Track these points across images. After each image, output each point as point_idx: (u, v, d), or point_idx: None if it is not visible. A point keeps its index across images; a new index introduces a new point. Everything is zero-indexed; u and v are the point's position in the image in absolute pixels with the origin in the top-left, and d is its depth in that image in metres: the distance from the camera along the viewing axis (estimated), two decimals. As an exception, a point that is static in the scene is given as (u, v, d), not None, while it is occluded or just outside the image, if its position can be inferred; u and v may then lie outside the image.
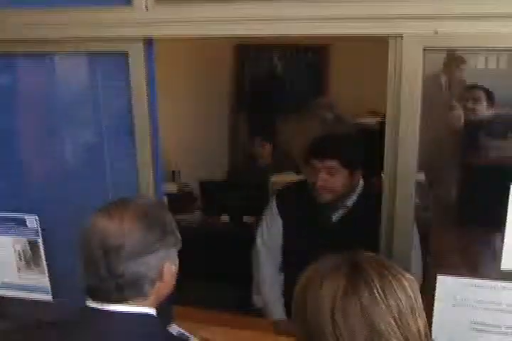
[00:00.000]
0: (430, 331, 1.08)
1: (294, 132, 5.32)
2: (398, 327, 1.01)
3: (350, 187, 2.30)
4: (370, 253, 1.15)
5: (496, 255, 1.60)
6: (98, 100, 1.89)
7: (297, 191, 2.42)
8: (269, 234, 2.46)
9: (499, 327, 1.51)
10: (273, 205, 2.46)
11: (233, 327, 2.11)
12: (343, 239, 2.21)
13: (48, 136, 2.01)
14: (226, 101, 5.67)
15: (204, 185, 3.66)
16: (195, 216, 3.69)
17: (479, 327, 1.51)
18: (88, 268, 1.21)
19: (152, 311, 1.24)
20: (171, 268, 1.26)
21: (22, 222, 2.03)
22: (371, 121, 5.31)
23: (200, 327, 1.98)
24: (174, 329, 1.82)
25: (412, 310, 1.04)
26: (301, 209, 2.37)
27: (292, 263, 2.42)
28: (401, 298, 1.03)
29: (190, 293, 2.46)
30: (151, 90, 1.79)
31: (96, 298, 1.22)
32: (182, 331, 1.83)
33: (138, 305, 1.22)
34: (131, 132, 1.83)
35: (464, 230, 2.43)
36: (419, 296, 1.07)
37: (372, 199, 2.23)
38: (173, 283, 1.32)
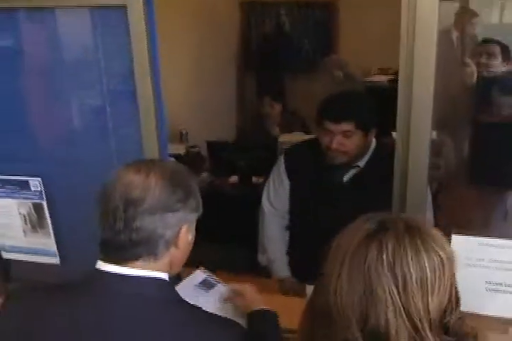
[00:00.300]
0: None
1: (304, 91, 5.26)
2: (400, 298, 0.98)
3: (364, 148, 2.25)
4: (415, 218, 1.09)
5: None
6: (99, 60, 1.84)
7: (307, 151, 2.38)
8: (276, 194, 2.43)
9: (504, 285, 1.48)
10: (281, 165, 2.42)
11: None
12: (354, 200, 2.20)
13: (49, 98, 1.97)
14: (233, 60, 5.58)
15: (212, 146, 3.62)
16: (203, 177, 3.66)
17: (494, 287, 1.49)
18: (105, 220, 1.18)
19: (165, 276, 1.22)
20: (187, 234, 1.23)
21: (25, 185, 2.01)
22: (382, 78, 5.23)
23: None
24: (200, 275, 1.80)
25: (423, 286, 0.99)
26: (311, 169, 2.33)
27: (300, 224, 2.42)
28: (411, 271, 0.98)
29: (198, 255, 2.46)
30: (152, 47, 1.73)
31: (108, 254, 1.19)
32: (208, 277, 1.79)
33: (149, 268, 1.19)
34: (134, 93, 1.78)
35: (478, 188, 2.39)
36: (444, 276, 1.01)
37: (384, 159, 2.17)
38: (188, 253, 1.29)
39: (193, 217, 1.25)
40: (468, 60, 3.26)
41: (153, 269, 1.19)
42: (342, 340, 1.00)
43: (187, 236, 1.23)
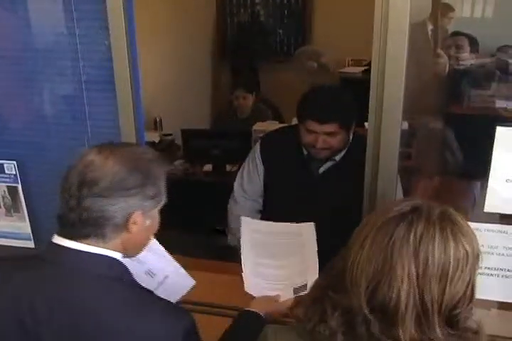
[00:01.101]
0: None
1: (278, 81, 5.28)
2: (417, 280, 0.99)
3: (346, 144, 2.27)
4: (453, 210, 1.09)
5: (479, 199, 1.61)
6: (76, 44, 1.84)
7: (284, 140, 2.38)
8: (249, 181, 2.43)
9: (480, 268, 1.52)
10: (256, 151, 2.41)
11: (212, 271, 2.13)
12: (329, 191, 2.24)
13: (24, 83, 1.96)
14: (209, 49, 5.58)
15: (186, 134, 3.61)
16: (177, 165, 3.66)
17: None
18: (62, 196, 1.19)
19: (117, 255, 1.22)
20: (142, 220, 1.22)
21: (0, 168, 2.00)
22: (356, 70, 5.27)
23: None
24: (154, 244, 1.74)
25: (443, 274, 1.00)
26: (287, 159, 2.33)
27: (273, 211, 2.42)
28: (435, 255, 0.99)
29: (172, 241, 2.47)
30: (130, 33, 1.74)
31: (62, 230, 1.21)
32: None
33: (100, 246, 1.20)
34: (111, 79, 1.79)
35: (447, 177, 2.45)
36: (466, 269, 1.03)
37: (360, 151, 2.21)
38: (146, 237, 1.30)
39: (152, 204, 1.23)
40: (441, 52, 3.31)
41: (104, 248, 1.20)
42: (346, 306, 1.02)
43: (142, 221, 1.21)
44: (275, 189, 2.41)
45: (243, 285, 1.93)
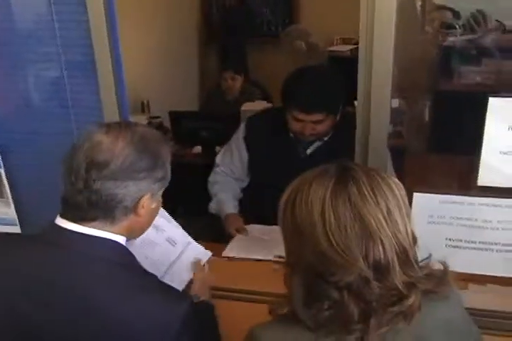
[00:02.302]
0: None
1: (266, 62, 5.23)
2: (387, 225, 1.02)
3: (334, 126, 2.23)
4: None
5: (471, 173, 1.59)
6: (54, 29, 1.80)
7: (269, 121, 2.34)
8: (231, 162, 2.42)
9: (474, 242, 1.52)
10: (240, 134, 2.39)
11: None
12: None
13: (5, 68, 1.92)
14: (195, 30, 5.52)
15: (174, 116, 3.57)
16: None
17: (454, 243, 1.52)
18: (67, 178, 1.15)
19: (121, 240, 1.20)
20: (150, 203, 1.20)
21: (-18, 154, 1.96)
22: (345, 48, 5.23)
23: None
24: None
25: (400, 209, 1.05)
26: (273, 141, 2.30)
27: (263, 196, 2.40)
28: (388, 197, 1.04)
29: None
30: (111, 16, 1.70)
31: (67, 211, 1.18)
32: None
33: (106, 230, 1.17)
34: (92, 63, 1.76)
35: (438, 153, 2.43)
36: (406, 199, 1.08)
37: (347, 130, 2.18)
38: (150, 220, 1.28)
39: (159, 187, 1.22)
40: (429, 28, 3.28)
41: (109, 231, 1.18)
42: (354, 278, 1.01)
43: (149, 204, 1.20)
44: (262, 172, 2.38)
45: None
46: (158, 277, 1.58)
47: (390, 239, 1.02)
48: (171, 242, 1.64)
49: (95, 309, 1.10)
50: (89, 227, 1.16)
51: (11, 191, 2.01)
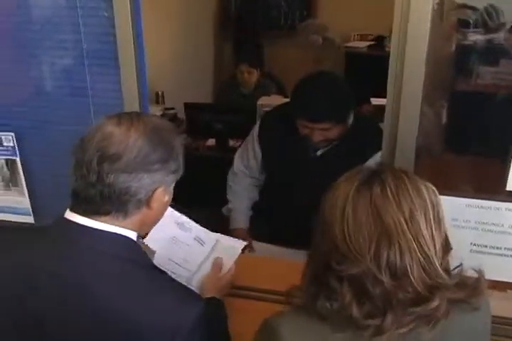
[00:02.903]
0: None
1: (282, 56, 5.20)
2: (408, 228, 1.02)
3: (345, 131, 2.20)
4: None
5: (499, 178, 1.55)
6: (77, 17, 1.77)
7: (282, 119, 2.31)
8: (248, 159, 2.43)
9: (500, 248, 1.49)
10: (255, 132, 2.39)
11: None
12: (327, 171, 2.19)
13: (24, 55, 1.90)
14: (211, 21, 5.48)
15: (189, 108, 3.54)
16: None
17: (479, 248, 1.50)
18: (78, 171, 1.12)
19: (132, 235, 1.17)
20: (163, 196, 1.17)
21: (-2, 141, 1.94)
22: (362, 44, 5.19)
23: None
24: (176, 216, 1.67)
25: (427, 216, 1.04)
26: (285, 140, 2.29)
27: (272, 191, 2.42)
28: (414, 202, 1.04)
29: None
30: (135, 7, 1.67)
31: (78, 205, 1.15)
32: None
33: (117, 224, 1.14)
34: (115, 56, 1.73)
35: (462, 155, 2.39)
36: (441, 208, 1.08)
37: (360, 132, 2.18)
38: (162, 214, 1.25)
39: (172, 179, 1.19)
40: (447, 27, 3.23)
41: (120, 226, 1.15)
42: (354, 274, 1.02)
43: (162, 197, 1.17)
44: (275, 169, 2.39)
45: (250, 263, 1.91)
46: (187, 277, 1.56)
47: (410, 242, 1.02)
48: (200, 241, 1.61)
49: (105, 307, 1.08)
50: (100, 222, 1.13)
51: (25, 180, 1.99)
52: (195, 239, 1.61)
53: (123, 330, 1.07)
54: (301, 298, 1.11)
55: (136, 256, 1.16)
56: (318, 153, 2.26)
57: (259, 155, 2.39)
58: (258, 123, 2.42)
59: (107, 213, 1.13)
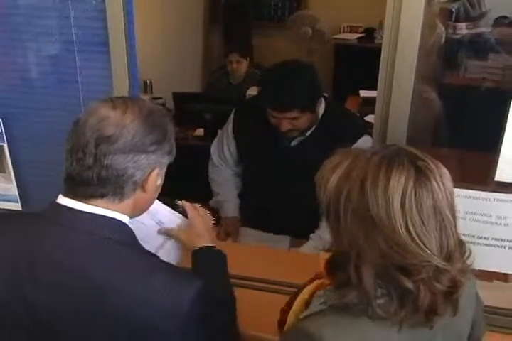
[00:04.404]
0: None
1: (272, 47, 5.18)
2: (452, 216, 1.02)
3: (315, 120, 2.22)
4: None
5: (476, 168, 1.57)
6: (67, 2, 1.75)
7: (255, 111, 2.29)
8: (224, 151, 2.46)
9: (487, 239, 1.50)
10: (229, 124, 2.41)
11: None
12: (302, 161, 2.18)
13: (12, 39, 1.87)
14: (201, 10, 5.45)
15: (178, 97, 3.53)
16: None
17: (466, 238, 1.48)
18: (74, 154, 1.12)
19: (125, 219, 1.18)
20: (157, 178, 1.19)
21: (-16, 126, 1.92)
22: (351, 36, 5.19)
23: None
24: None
25: (453, 199, 1.05)
26: (259, 130, 2.30)
27: (251, 184, 2.47)
28: (450, 187, 1.03)
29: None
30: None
31: (72, 190, 1.15)
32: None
33: (111, 208, 1.15)
34: (105, 41, 1.72)
35: (451, 147, 2.41)
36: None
37: (332, 122, 2.22)
38: (154, 197, 1.26)
39: (166, 161, 1.21)
40: (438, 22, 3.25)
41: (114, 209, 1.15)
42: (430, 271, 1.00)
43: (156, 180, 1.19)
44: (250, 160, 2.42)
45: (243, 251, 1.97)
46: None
47: (454, 227, 1.02)
48: (160, 223, 1.59)
49: (103, 288, 1.08)
50: (94, 206, 1.14)
51: (13, 167, 1.97)
52: (157, 222, 1.59)
53: (123, 310, 1.08)
54: (350, 298, 1.03)
55: (128, 239, 1.17)
56: (293, 143, 2.27)
57: (234, 147, 2.42)
58: (232, 116, 2.43)
59: (102, 196, 1.14)
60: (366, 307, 1.01)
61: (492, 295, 1.53)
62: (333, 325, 1.04)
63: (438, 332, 1.09)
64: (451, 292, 1.02)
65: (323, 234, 2.12)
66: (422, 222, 0.98)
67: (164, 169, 1.23)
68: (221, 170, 2.50)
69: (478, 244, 1.51)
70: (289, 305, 1.27)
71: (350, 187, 1.02)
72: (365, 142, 2.19)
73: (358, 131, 2.19)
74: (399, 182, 0.98)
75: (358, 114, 2.91)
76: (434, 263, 0.98)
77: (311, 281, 1.27)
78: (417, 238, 0.97)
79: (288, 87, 2.10)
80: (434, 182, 0.99)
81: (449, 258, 1.01)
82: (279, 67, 2.27)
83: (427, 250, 0.98)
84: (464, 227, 1.48)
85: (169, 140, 1.19)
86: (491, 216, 1.48)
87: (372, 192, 0.98)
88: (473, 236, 1.50)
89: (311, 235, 2.26)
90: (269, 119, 2.18)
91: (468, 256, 1.09)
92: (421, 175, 0.99)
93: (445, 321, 1.07)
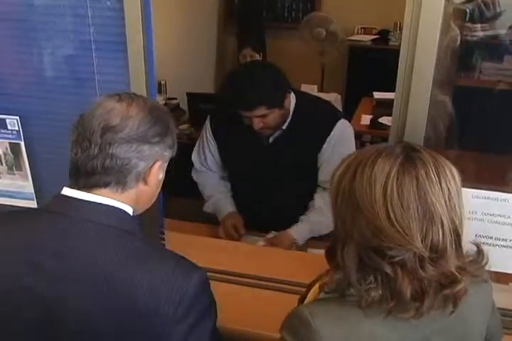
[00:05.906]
0: None
1: (285, 48, 5.19)
2: (447, 210, 1.03)
3: (286, 115, 2.24)
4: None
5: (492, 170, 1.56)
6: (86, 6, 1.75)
7: (231, 112, 2.28)
8: (205, 155, 2.46)
9: (505, 240, 1.49)
10: (207, 126, 2.42)
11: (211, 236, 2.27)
12: (282, 158, 2.28)
13: (29, 38, 1.87)
14: (215, 11, 5.46)
15: (192, 97, 3.54)
16: (182, 129, 3.59)
17: (484, 240, 1.49)
18: (79, 145, 1.15)
19: (129, 210, 1.20)
20: (159, 171, 1.22)
21: (2, 124, 1.93)
22: (365, 38, 5.17)
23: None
24: None
25: (459, 195, 1.06)
26: (237, 130, 2.29)
27: (236, 184, 2.49)
28: (451, 182, 1.04)
29: (177, 207, 2.43)
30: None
31: (76, 180, 1.17)
32: None
33: (114, 197, 1.17)
34: (122, 42, 1.73)
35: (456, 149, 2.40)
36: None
37: (306, 115, 2.24)
38: (156, 192, 1.28)
39: (168, 155, 1.24)
40: (452, 24, 3.22)
41: (118, 200, 1.18)
42: (409, 256, 1.01)
43: (158, 173, 1.22)
44: (233, 162, 2.43)
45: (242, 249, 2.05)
46: None
47: (449, 224, 1.02)
48: None
49: (111, 276, 1.09)
50: (99, 195, 1.16)
51: (29, 165, 1.98)
52: None
53: (130, 298, 1.09)
54: (337, 283, 1.08)
55: (132, 228, 1.19)
56: (271, 140, 2.29)
57: (216, 150, 2.43)
58: (208, 119, 2.44)
59: (106, 185, 1.16)
60: (347, 288, 1.05)
61: (509, 298, 1.53)
62: (326, 313, 1.08)
63: (433, 336, 1.09)
64: (443, 285, 1.03)
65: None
66: (402, 207, 1.00)
67: (166, 164, 1.26)
68: (207, 175, 2.50)
69: (497, 245, 1.50)
70: (302, 300, 1.29)
71: (347, 175, 1.07)
72: (342, 125, 2.28)
73: (334, 117, 2.28)
74: (384, 169, 1.02)
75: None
76: (413, 250, 1.00)
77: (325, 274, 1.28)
78: (395, 222, 1.00)
79: (251, 85, 2.11)
80: (422, 171, 1.02)
81: (436, 249, 1.02)
82: (239, 68, 2.37)
83: (406, 235, 1.00)
84: (482, 229, 1.49)
85: (171, 134, 1.23)
86: (509, 217, 1.47)
87: (359, 177, 1.04)
88: (492, 238, 1.49)
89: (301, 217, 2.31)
90: (244, 119, 2.20)
91: (482, 259, 1.12)
92: (409, 163, 1.03)
93: (442, 324, 1.08)
